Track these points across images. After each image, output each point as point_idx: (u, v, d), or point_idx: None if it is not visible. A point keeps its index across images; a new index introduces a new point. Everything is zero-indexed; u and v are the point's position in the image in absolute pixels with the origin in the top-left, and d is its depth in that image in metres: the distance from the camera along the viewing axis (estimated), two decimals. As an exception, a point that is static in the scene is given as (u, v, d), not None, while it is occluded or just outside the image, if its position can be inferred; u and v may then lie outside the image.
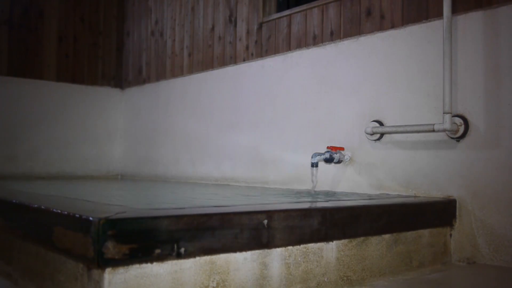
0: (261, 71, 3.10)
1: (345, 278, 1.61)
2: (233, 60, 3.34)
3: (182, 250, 1.23)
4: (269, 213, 1.41)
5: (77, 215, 1.21)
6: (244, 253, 1.36)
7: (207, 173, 3.47)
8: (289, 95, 2.90)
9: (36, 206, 1.46)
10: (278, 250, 1.44)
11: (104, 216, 1.14)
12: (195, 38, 3.73)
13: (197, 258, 1.27)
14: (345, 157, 2.49)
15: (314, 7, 2.80)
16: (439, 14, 2.18)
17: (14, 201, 1.66)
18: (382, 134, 2.37)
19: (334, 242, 1.59)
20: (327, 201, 1.98)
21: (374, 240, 1.71)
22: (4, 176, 3.82)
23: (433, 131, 2.09)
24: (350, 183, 2.50)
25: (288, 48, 2.95)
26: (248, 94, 3.19)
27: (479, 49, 2.06)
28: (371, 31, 2.49)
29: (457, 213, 2.06)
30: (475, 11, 2.08)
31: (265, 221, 1.40)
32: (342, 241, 1.61)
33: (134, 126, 4.39)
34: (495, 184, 1.98)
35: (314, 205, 1.79)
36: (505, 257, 1.93)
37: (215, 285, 1.30)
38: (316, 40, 2.78)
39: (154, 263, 1.19)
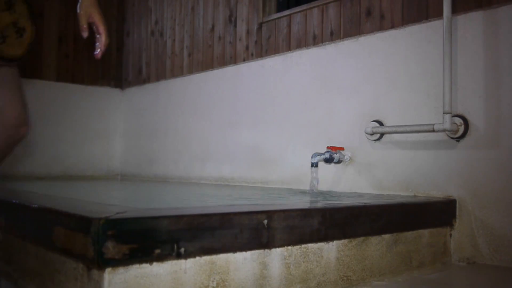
0: (261, 71, 3.10)
1: (345, 278, 1.61)
2: (233, 60, 3.34)
3: (182, 250, 1.23)
4: (269, 213, 1.41)
5: (77, 215, 1.21)
6: (244, 253, 1.36)
7: (207, 173, 3.47)
8: (289, 95, 2.90)
9: (36, 206, 1.46)
10: (278, 250, 1.44)
11: (104, 216, 1.14)
12: (195, 38, 3.73)
13: (197, 258, 1.27)
14: (345, 157, 2.49)
15: (314, 7, 2.80)
16: (439, 14, 2.18)
17: (14, 201, 1.66)
18: (382, 134, 2.37)
19: (334, 242, 1.59)
20: (327, 201, 1.98)
21: (374, 240, 1.72)
22: (4, 176, 3.82)
23: (433, 131, 2.09)
24: (350, 183, 2.50)
25: (288, 48, 2.95)
26: (248, 94, 3.19)
27: (479, 49, 2.06)
28: (371, 31, 2.49)
29: (457, 213, 2.06)
30: (475, 11, 2.08)
31: (265, 221, 1.40)
32: (342, 241, 1.61)
33: (134, 126, 4.39)
34: (495, 184, 1.98)
35: (314, 205, 1.79)
36: (505, 257, 1.93)
37: (215, 285, 1.30)
38: (316, 40, 2.78)
39: (154, 263, 1.19)
